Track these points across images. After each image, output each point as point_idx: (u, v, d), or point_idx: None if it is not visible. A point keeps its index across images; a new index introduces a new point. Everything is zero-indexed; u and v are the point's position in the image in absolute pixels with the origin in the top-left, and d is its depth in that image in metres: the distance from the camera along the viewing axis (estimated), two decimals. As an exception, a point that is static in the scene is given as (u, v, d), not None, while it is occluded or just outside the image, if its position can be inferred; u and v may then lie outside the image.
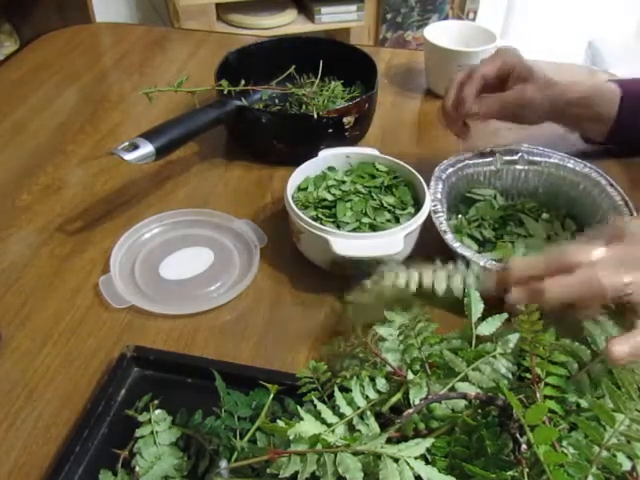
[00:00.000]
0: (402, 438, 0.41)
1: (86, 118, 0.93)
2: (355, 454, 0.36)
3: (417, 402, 0.42)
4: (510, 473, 0.37)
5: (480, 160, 0.72)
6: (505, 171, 0.73)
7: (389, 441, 0.39)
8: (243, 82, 0.81)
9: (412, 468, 0.34)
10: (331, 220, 0.66)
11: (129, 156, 0.67)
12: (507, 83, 0.74)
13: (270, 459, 0.37)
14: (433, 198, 0.67)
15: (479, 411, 0.42)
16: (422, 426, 0.42)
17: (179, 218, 0.74)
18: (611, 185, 0.68)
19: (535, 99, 0.71)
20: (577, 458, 0.37)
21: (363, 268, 0.65)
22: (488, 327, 0.47)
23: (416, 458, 0.35)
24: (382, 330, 0.49)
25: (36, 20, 1.84)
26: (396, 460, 0.35)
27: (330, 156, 0.73)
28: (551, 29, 2.43)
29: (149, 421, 0.49)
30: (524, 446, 0.38)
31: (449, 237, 0.63)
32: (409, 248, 0.68)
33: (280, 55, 0.91)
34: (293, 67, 0.87)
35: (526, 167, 0.73)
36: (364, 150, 0.75)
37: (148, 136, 0.69)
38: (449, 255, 0.67)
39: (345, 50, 0.95)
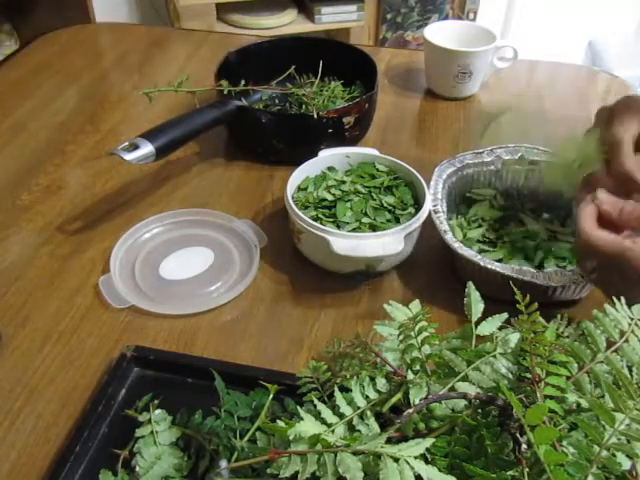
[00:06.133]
0: (402, 438, 0.41)
1: (86, 118, 0.93)
2: (355, 454, 0.36)
3: (417, 402, 0.42)
4: (510, 473, 0.37)
5: (480, 160, 0.72)
6: (505, 171, 0.73)
7: (389, 441, 0.39)
8: (243, 82, 0.81)
9: (412, 468, 0.34)
10: (331, 220, 0.66)
11: (129, 156, 0.67)
12: None
13: (270, 459, 0.37)
14: (433, 198, 0.67)
15: (479, 411, 0.42)
16: (422, 426, 0.42)
17: (179, 218, 0.74)
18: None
19: None
20: (577, 458, 0.37)
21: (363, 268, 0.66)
22: (488, 327, 0.47)
23: (416, 458, 0.35)
24: (382, 330, 0.49)
25: (36, 20, 1.84)
26: (396, 460, 0.35)
27: (330, 156, 0.73)
28: (551, 29, 2.43)
29: (149, 421, 0.49)
30: (524, 446, 0.38)
31: (449, 237, 0.63)
32: (409, 248, 0.68)
33: (280, 55, 0.91)
34: (293, 67, 0.87)
35: (526, 167, 0.73)
36: (364, 150, 0.75)
37: (148, 136, 0.69)
38: (449, 255, 0.67)
39: (345, 50, 0.95)
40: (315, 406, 0.42)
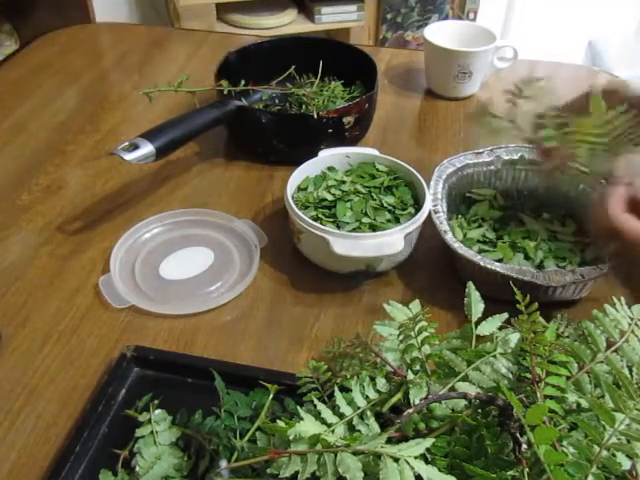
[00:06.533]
0: (402, 438, 0.41)
1: (86, 118, 0.93)
2: (355, 454, 0.36)
3: (417, 402, 0.42)
4: (510, 473, 0.37)
5: (480, 160, 0.72)
6: (505, 171, 0.73)
7: (389, 441, 0.39)
8: (243, 82, 0.81)
9: (412, 468, 0.34)
10: (331, 220, 0.66)
11: (129, 156, 0.67)
12: None
13: (270, 459, 0.37)
14: (433, 198, 0.67)
15: (479, 411, 0.42)
16: (422, 426, 0.42)
17: (179, 218, 0.74)
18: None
19: None
20: (577, 458, 0.37)
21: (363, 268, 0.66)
22: (488, 327, 0.47)
23: (416, 458, 0.35)
24: (382, 330, 0.49)
25: (36, 20, 1.84)
26: (396, 460, 0.35)
27: (330, 156, 0.73)
28: (551, 29, 2.43)
29: (149, 421, 0.49)
30: (524, 446, 0.38)
31: (449, 237, 0.63)
32: (409, 248, 0.68)
33: (280, 55, 0.91)
34: (293, 67, 0.87)
35: (526, 167, 0.73)
36: (364, 150, 0.75)
37: (148, 136, 0.69)
38: (449, 255, 0.67)
39: (345, 50, 0.95)
40: (315, 406, 0.42)
